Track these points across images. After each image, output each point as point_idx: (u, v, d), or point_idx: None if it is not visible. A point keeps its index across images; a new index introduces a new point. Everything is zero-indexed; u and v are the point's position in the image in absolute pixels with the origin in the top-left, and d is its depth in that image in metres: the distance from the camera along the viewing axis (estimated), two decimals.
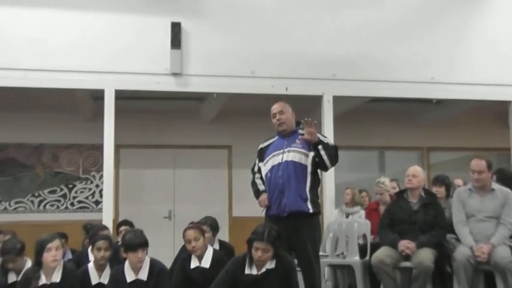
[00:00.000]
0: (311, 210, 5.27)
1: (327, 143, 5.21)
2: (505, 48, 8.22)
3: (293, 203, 5.19)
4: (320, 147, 5.12)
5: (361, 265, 6.07)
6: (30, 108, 8.97)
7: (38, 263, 4.55)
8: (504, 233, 5.39)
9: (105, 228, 6.04)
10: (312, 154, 5.29)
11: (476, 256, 5.27)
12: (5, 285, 4.81)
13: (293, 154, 5.28)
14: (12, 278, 4.87)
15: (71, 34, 7.38)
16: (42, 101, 8.37)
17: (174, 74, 7.48)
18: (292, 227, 5.16)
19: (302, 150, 5.30)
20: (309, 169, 5.27)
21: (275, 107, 5.47)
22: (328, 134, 7.47)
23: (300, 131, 5.43)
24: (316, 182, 5.32)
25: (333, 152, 5.20)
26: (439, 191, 6.47)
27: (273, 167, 5.30)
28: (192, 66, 7.55)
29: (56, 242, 4.55)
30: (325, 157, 5.12)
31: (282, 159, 5.28)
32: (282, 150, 5.32)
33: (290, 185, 5.21)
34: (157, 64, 7.45)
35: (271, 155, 5.36)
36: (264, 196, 5.29)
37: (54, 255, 4.49)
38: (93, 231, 5.60)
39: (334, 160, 5.23)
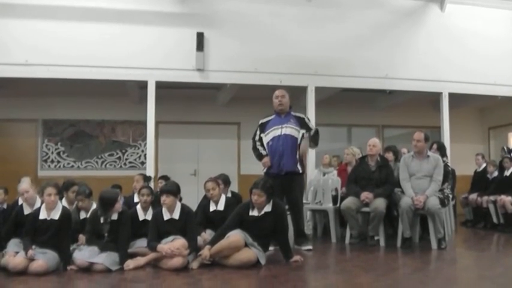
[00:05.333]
0: (300, 171, 5.33)
1: (314, 135, 5.36)
2: (436, 53, 8.18)
3: (290, 165, 5.24)
4: (312, 144, 5.41)
5: (333, 210, 6.11)
6: (95, 94, 8.90)
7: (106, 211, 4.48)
8: (435, 187, 5.44)
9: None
10: (302, 131, 5.33)
11: (415, 204, 5.32)
12: (78, 220, 4.83)
13: (290, 130, 5.32)
14: (82, 215, 4.88)
15: (124, 41, 7.34)
16: (104, 89, 8.31)
17: (199, 70, 7.45)
18: (287, 182, 5.22)
19: (295, 127, 5.35)
20: (299, 141, 5.32)
21: (279, 92, 5.45)
22: (311, 115, 7.50)
23: (292, 113, 5.45)
24: None
25: (317, 137, 5.39)
26: (389, 156, 6.47)
27: (274, 137, 5.31)
28: (212, 64, 7.52)
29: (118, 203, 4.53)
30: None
31: (281, 133, 5.30)
32: (280, 126, 5.33)
33: (287, 152, 5.25)
34: (187, 62, 7.42)
35: (272, 129, 5.35)
36: (266, 158, 5.31)
37: (118, 208, 4.48)
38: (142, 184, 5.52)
39: (317, 144, 5.49)
